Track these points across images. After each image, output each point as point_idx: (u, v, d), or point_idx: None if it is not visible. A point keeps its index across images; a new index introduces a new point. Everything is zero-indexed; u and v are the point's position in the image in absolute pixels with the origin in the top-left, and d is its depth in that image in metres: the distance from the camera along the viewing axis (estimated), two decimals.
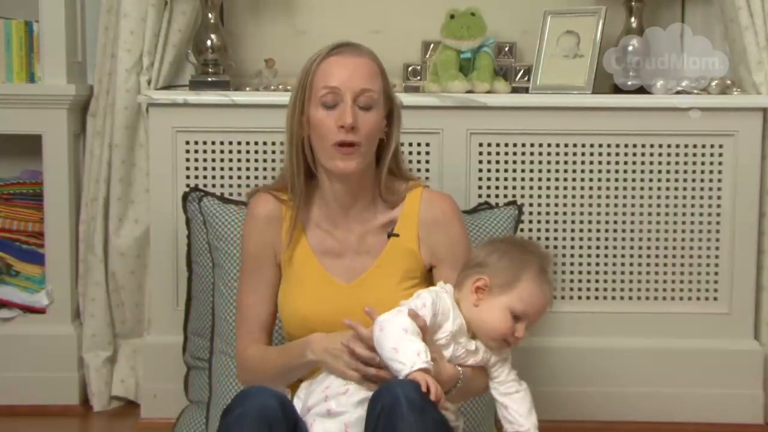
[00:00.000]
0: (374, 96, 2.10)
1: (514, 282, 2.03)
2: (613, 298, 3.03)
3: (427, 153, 2.94)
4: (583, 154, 2.97)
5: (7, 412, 3.04)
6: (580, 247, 3.01)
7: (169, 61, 3.03)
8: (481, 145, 2.97)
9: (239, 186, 2.95)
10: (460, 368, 2.02)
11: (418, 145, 2.93)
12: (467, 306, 2.05)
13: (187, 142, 2.96)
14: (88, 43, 3.17)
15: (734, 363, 3.01)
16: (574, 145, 2.97)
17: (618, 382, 3.01)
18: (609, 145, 2.97)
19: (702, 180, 2.99)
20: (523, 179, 2.98)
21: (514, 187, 2.97)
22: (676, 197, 2.99)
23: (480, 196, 2.96)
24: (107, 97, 3.04)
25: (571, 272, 3.01)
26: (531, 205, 2.97)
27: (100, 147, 3.06)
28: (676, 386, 3.01)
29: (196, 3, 3.02)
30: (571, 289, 3.02)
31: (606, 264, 3.01)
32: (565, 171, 2.98)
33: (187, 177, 2.96)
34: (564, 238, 3.00)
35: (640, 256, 3.01)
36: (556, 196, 2.98)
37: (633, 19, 3.06)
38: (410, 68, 3.12)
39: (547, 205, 2.99)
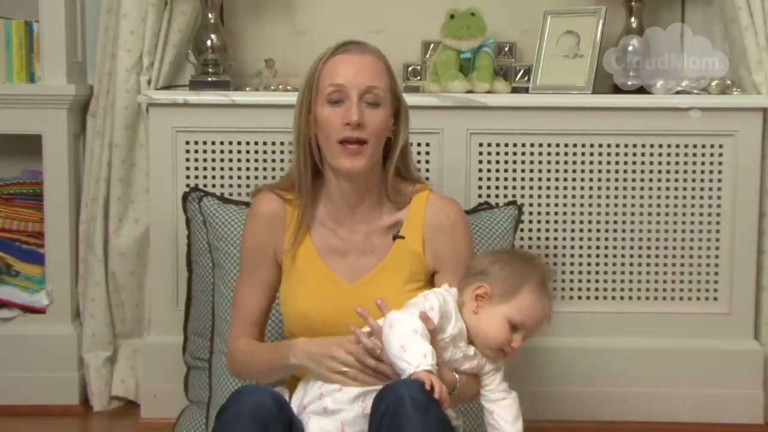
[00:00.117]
0: (380, 93, 2.11)
1: (515, 292, 2.04)
2: (613, 298, 3.03)
3: (427, 153, 2.94)
4: (583, 154, 2.97)
5: (7, 412, 3.04)
6: (580, 247, 3.01)
7: (169, 61, 3.03)
8: (481, 145, 2.97)
9: (239, 186, 2.95)
10: (456, 375, 2.04)
11: (418, 145, 2.93)
12: (467, 312, 2.06)
13: (187, 142, 2.96)
14: (88, 43, 3.17)
15: (734, 363, 3.01)
16: (574, 145, 2.97)
17: (618, 382, 3.01)
18: (609, 145, 2.97)
19: (702, 180, 2.99)
20: (523, 179, 2.98)
21: (514, 187, 2.97)
22: (676, 197, 2.99)
23: (480, 196, 2.96)
24: (107, 97, 3.04)
25: (571, 272, 3.01)
26: (531, 205, 2.97)
27: (100, 147, 3.06)
28: (676, 386, 3.01)
29: (196, 3, 3.02)
30: (571, 289, 3.02)
31: (606, 264, 3.01)
32: (565, 171, 2.98)
33: (187, 177, 2.96)
34: (564, 238, 3.00)
35: (640, 256, 3.01)
36: (556, 196, 2.98)
37: (633, 19, 3.06)
38: (410, 68, 3.12)
39: (547, 205, 2.99)
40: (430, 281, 2.20)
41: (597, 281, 3.02)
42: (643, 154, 2.98)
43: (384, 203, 2.20)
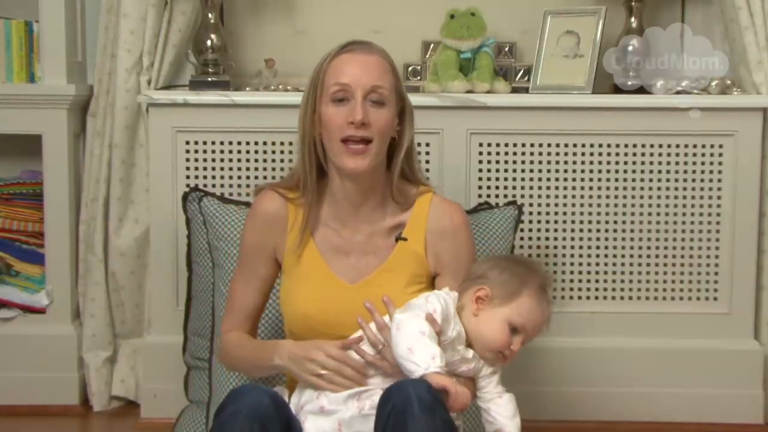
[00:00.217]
0: (385, 93, 2.11)
1: (515, 295, 2.05)
2: (613, 298, 3.03)
3: (427, 153, 2.94)
4: (583, 154, 2.97)
5: (7, 412, 3.04)
6: (580, 247, 3.01)
7: (169, 61, 3.03)
8: (481, 145, 2.97)
9: (239, 186, 2.95)
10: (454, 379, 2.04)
11: (419, 145, 2.91)
12: (467, 315, 2.07)
13: (187, 142, 2.96)
14: (88, 43, 3.17)
15: (734, 363, 3.01)
16: (574, 145, 2.97)
17: (618, 382, 3.01)
18: (609, 145, 2.97)
19: (702, 180, 2.99)
20: (523, 179, 2.98)
21: (514, 187, 2.97)
22: (676, 197, 2.99)
23: (480, 196, 2.96)
24: (107, 97, 3.04)
25: (571, 272, 3.01)
26: (531, 205, 2.97)
27: (100, 147, 3.06)
28: (676, 386, 3.01)
29: (196, 3, 3.02)
30: (571, 290, 3.02)
31: (606, 264, 3.01)
32: (565, 171, 2.98)
33: (187, 177, 2.96)
34: (564, 238, 3.00)
35: (640, 256, 3.01)
36: (556, 196, 2.98)
37: (633, 19, 3.06)
38: (410, 68, 3.12)
39: (547, 205, 2.99)
40: (432, 284, 2.20)
41: (597, 281, 3.02)
42: (643, 154, 2.98)
43: (387, 204, 2.20)
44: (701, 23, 3.14)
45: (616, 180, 2.98)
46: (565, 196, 2.98)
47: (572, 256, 3.01)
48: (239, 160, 2.95)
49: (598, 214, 2.99)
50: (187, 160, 2.96)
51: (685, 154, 2.98)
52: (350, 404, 1.98)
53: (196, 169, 2.96)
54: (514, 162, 2.97)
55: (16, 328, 3.11)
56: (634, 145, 2.97)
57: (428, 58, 3.12)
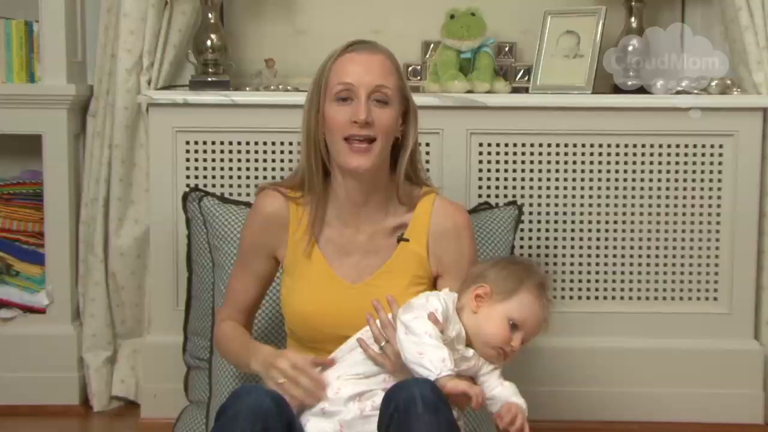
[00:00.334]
0: (389, 92, 2.11)
1: (514, 291, 2.05)
2: (613, 298, 3.03)
3: (427, 153, 2.94)
4: (583, 154, 2.98)
5: (7, 412, 3.04)
6: (580, 247, 3.01)
7: (169, 61, 3.03)
8: (481, 145, 2.97)
9: (239, 186, 2.95)
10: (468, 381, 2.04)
11: (419, 145, 2.92)
12: (467, 314, 2.07)
13: (187, 142, 2.96)
14: (88, 43, 3.17)
15: (734, 363, 3.01)
16: (574, 145, 2.97)
17: (618, 382, 3.01)
18: (609, 145, 2.97)
19: (702, 180, 2.99)
20: (523, 179, 2.98)
21: (514, 187, 2.97)
22: (676, 197, 2.99)
23: (480, 196, 2.96)
24: (107, 97, 3.04)
25: (571, 272, 3.01)
26: (531, 205, 2.97)
27: (100, 147, 3.06)
28: (676, 386, 3.01)
29: (196, 3, 3.02)
30: (571, 289, 3.02)
31: (606, 264, 3.01)
32: (565, 171, 2.98)
33: (187, 177, 2.96)
34: (564, 238, 3.00)
35: (640, 256, 3.01)
36: (556, 196, 2.99)
37: (633, 19, 3.06)
38: (410, 68, 3.12)
39: (547, 205, 2.99)
40: (433, 285, 2.20)
41: (597, 281, 3.02)
42: (643, 154, 2.98)
43: (390, 204, 2.20)
44: (701, 23, 3.14)
45: (616, 180, 2.98)
46: (565, 196, 2.99)
47: (572, 256, 3.01)
48: (239, 160, 2.95)
49: (598, 214, 2.99)
50: (187, 160, 2.96)
51: (685, 154, 2.98)
52: (351, 405, 1.98)
53: (196, 169, 2.96)
54: (514, 162, 2.97)
55: (16, 328, 3.11)
56: (634, 145, 2.97)
57: (428, 58, 3.12)
